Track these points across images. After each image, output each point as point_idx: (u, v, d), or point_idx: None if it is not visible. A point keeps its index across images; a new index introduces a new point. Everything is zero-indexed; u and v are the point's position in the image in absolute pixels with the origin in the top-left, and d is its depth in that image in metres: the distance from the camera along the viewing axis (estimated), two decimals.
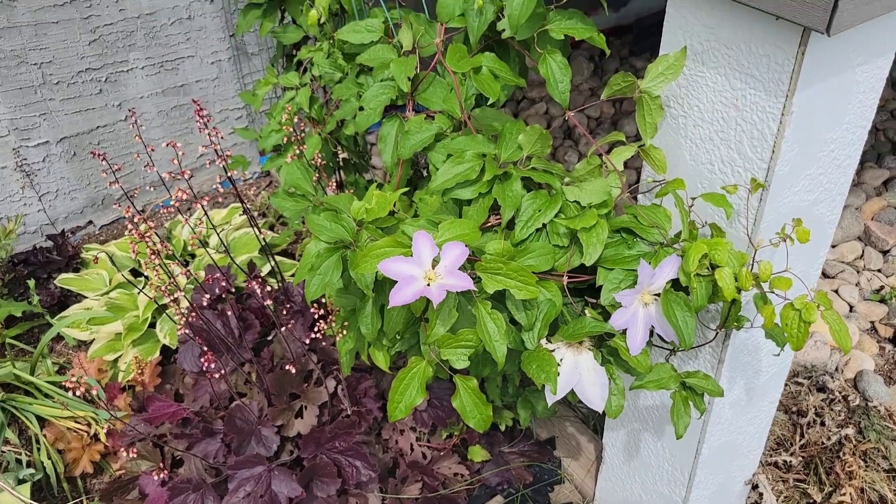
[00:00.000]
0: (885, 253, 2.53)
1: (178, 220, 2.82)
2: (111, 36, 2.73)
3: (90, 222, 3.06)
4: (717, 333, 1.31)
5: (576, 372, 1.23)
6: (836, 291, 2.42)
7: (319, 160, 1.70)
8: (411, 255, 1.11)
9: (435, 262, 1.11)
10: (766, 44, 1.08)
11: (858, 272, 2.49)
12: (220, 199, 3.22)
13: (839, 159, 1.27)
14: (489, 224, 1.27)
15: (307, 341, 1.92)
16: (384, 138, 1.40)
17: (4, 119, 2.65)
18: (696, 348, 1.44)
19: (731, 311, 1.21)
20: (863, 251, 2.54)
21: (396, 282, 1.08)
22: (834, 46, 1.08)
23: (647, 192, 1.39)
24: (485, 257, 1.17)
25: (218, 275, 2.17)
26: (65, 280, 2.58)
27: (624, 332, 1.20)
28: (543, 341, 1.24)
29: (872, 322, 2.34)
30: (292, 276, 2.51)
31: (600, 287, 1.23)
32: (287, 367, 1.87)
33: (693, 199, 1.25)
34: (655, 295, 1.19)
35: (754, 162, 1.17)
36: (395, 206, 1.29)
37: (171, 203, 1.67)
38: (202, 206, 1.75)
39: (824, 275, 2.50)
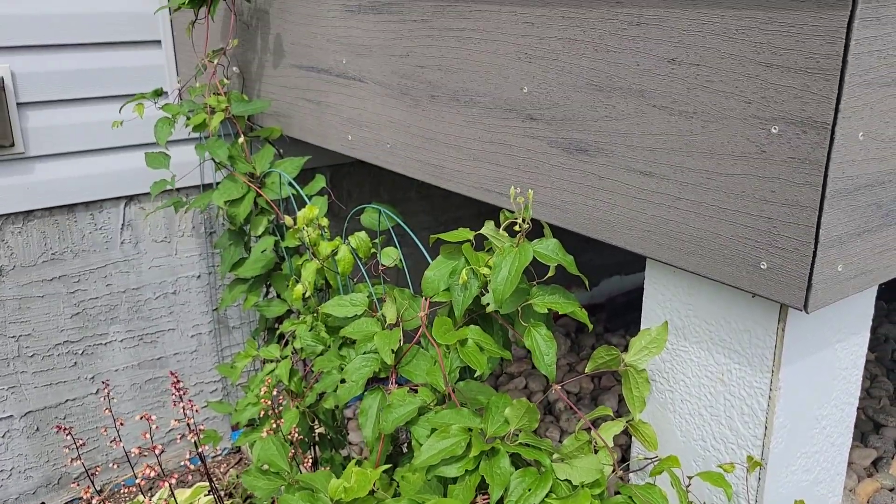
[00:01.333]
0: None
1: (139, 501, 2.63)
2: (94, 310, 2.76)
3: None
4: None
5: None
6: None
7: (296, 435, 1.64)
8: None
9: None
10: (745, 319, 1.10)
11: None
12: (189, 477, 3.05)
13: (832, 437, 1.24)
14: None
15: None
16: (365, 412, 1.36)
17: None
18: None
19: None
20: None
21: None
22: (812, 323, 1.10)
23: (639, 471, 1.33)
24: None
25: None
26: None
27: None
28: None
29: None
30: None
31: None
32: None
33: (690, 477, 1.20)
34: None
35: (748, 439, 1.14)
36: (375, 484, 1.22)
37: (137, 482, 1.57)
38: (170, 485, 1.64)
39: None
